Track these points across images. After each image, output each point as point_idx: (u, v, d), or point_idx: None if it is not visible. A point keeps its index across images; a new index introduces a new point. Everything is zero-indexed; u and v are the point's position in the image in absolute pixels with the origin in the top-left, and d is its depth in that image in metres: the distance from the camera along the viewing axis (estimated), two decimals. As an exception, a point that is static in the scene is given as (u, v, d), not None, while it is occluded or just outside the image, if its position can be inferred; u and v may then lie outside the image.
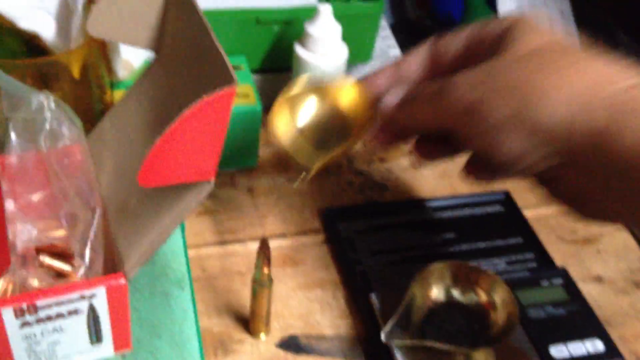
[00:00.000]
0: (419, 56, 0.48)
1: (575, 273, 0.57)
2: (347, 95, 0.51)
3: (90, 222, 0.44)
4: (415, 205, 0.61)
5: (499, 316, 0.48)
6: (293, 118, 0.51)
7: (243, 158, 0.63)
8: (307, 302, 0.53)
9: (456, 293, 0.50)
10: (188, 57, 0.43)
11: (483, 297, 0.50)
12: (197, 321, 0.49)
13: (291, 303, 0.53)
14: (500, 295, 0.49)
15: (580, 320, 0.52)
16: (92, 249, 0.44)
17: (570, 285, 0.55)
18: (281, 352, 0.50)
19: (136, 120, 0.48)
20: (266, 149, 0.66)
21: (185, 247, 0.54)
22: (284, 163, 0.65)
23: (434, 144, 0.48)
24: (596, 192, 0.40)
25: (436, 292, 0.50)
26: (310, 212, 0.61)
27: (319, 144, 0.51)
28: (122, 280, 0.43)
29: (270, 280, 0.47)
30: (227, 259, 0.56)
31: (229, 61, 0.38)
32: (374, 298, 0.52)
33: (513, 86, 0.40)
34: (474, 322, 0.49)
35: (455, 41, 0.47)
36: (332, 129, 0.52)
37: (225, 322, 0.51)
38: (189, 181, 0.40)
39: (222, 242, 0.57)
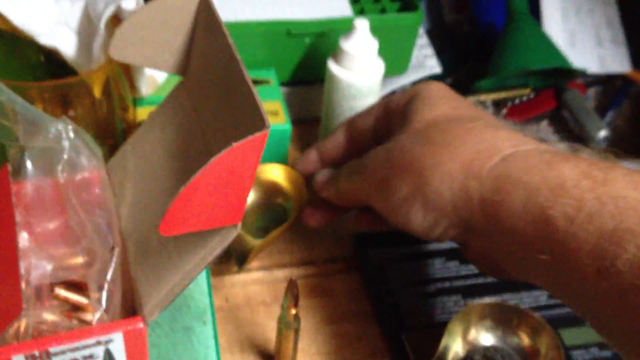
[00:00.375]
0: (337, 139, 0.53)
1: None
2: (281, 176, 0.56)
3: (108, 261, 0.41)
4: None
5: (543, 363, 0.45)
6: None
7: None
8: (336, 338, 0.51)
9: (497, 335, 0.47)
10: (216, 85, 0.40)
11: (526, 341, 0.46)
12: (219, 359, 0.47)
13: (319, 338, 0.50)
14: (545, 341, 0.46)
15: (628, 364, 0.49)
16: (109, 291, 0.41)
17: (617, 325, 0.51)
18: (308, 393, 0.47)
19: (159, 150, 0.45)
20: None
21: (209, 275, 0.51)
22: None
23: (372, 215, 0.50)
24: (495, 255, 0.42)
25: (475, 334, 0.47)
26: (340, 238, 0.58)
27: (254, 227, 0.54)
28: (141, 325, 0.40)
29: (298, 321, 0.45)
30: (252, 288, 0.53)
31: (261, 102, 0.35)
32: (406, 337, 0.49)
33: (409, 163, 0.43)
34: (516, 369, 0.46)
35: (367, 119, 0.51)
36: (266, 211, 0.56)
37: (248, 359, 0.49)
38: (214, 227, 0.38)
39: (247, 270, 0.54)
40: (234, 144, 0.33)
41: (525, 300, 0.53)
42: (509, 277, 0.45)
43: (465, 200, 0.41)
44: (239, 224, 0.38)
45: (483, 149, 0.41)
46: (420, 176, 0.42)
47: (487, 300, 0.48)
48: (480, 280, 0.54)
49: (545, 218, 0.37)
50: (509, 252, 0.40)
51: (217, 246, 0.38)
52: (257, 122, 0.34)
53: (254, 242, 0.52)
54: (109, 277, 0.40)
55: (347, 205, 0.51)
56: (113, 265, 0.41)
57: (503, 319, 0.47)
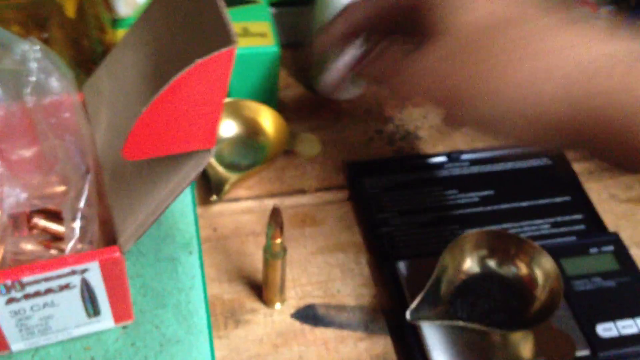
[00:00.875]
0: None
1: (628, 238, 0.51)
2: (263, 115, 0.55)
3: (81, 188, 0.39)
4: (450, 158, 0.55)
5: (541, 293, 0.43)
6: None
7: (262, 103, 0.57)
8: (328, 268, 0.49)
9: (493, 265, 0.45)
10: (187, 2, 0.37)
11: (523, 270, 0.44)
12: (205, 289, 0.45)
13: (310, 269, 0.49)
14: (543, 269, 0.44)
15: (632, 294, 0.47)
16: (84, 218, 0.39)
17: (622, 253, 0.49)
18: (297, 324, 0.46)
19: (133, 72, 0.42)
20: (287, 92, 0.60)
21: (195, 205, 0.49)
22: (306, 108, 0.59)
23: None
24: (626, 150, 0.35)
25: (470, 264, 0.45)
26: (334, 166, 0.55)
27: (232, 162, 0.53)
28: (117, 254, 0.38)
29: (284, 250, 0.43)
30: (241, 217, 0.51)
31: (228, 17, 0.32)
32: (400, 266, 0.47)
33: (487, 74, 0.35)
34: (512, 298, 0.44)
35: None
36: (246, 147, 0.55)
37: (237, 289, 0.47)
38: (187, 151, 0.35)
39: (236, 199, 0.52)
40: (198, 60, 0.31)
41: (526, 229, 0.51)
42: None
43: (569, 107, 0.34)
44: (213, 149, 0.36)
45: (565, 46, 0.34)
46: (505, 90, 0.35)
47: (485, 229, 0.46)
48: (479, 209, 0.52)
49: None
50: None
51: (191, 172, 0.36)
52: (224, 37, 0.32)
53: (229, 175, 0.52)
54: (81, 204, 0.39)
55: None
56: (86, 191, 0.39)
57: (500, 247, 0.45)
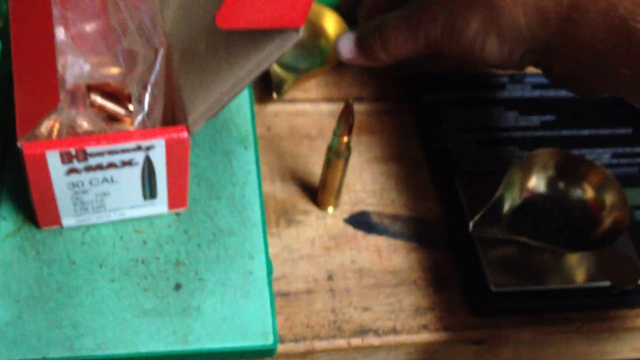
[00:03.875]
0: None
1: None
2: (326, 19, 0.53)
3: (152, 63, 0.37)
4: (513, 79, 0.54)
5: (606, 218, 0.42)
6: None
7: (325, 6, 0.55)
8: (383, 178, 0.48)
9: (559, 185, 0.44)
10: None
11: (590, 193, 0.43)
12: (260, 185, 0.44)
13: (365, 176, 0.48)
14: (610, 195, 0.43)
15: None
16: (152, 95, 0.38)
17: (683, 188, 0.48)
18: (350, 229, 0.45)
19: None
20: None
21: (252, 101, 0.48)
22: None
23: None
24: (578, 73, 0.41)
25: (536, 182, 0.44)
26: (395, 77, 0.53)
27: (291, 63, 0.52)
28: (185, 134, 0.37)
29: (349, 150, 0.41)
30: (296, 119, 0.50)
31: None
32: (458, 182, 0.46)
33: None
34: (576, 221, 0.43)
35: None
36: (307, 50, 0.53)
37: (290, 189, 0.46)
38: (273, 27, 0.34)
39: (292, 100, 0.51)
40: None
41: (588, 156, 0.49)
42: (594, 94, 0.44)
43: (542, 22, 0.39)
44: (301, 29, 0.34)
45: None
46: (491, 6, 0.40)
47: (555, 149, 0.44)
48: (540, 133, 0.51)
49: (627, 30, 0.36)
50: (590, 67, 0.39)
51: (274, 51, 0.34)
52: None
53: (287, 75, 0.50)
54: (152, 78, 0.37)
55: (398, 58, 0.47)
56: (157, 66, 0.37)
57: (568, 169, 0.44)
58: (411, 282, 0.43)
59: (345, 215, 0.45)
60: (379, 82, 0.53)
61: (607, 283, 0.42)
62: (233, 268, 0.40)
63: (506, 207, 0.43)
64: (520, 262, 0.42)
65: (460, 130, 0.50)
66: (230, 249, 0.41)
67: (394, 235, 0.45)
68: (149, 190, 0.40)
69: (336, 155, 0.42)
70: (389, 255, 0.44)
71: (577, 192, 0.44)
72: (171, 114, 0.40)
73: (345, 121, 0.40)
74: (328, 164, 0.42)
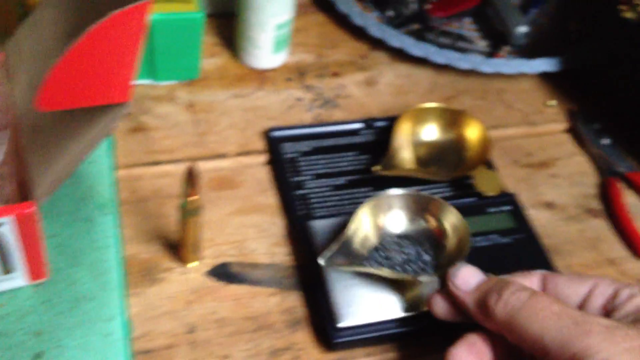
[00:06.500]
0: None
1: (526, 198, 0.55)
2: (468, 130, 0.57)
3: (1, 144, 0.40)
4: (366, 125, 0.58)
5: (450, 242, 0.46)
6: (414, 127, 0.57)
7: (183, 70, 0.58)
8: (243, 229, 0.51)
9: (405, 221, 0.48)
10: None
11: (433, 223, 0.47)
12: (119, 249, 0.46)
13: (226, 229, 0.50)
14: (449, 221, 0.47)
15: (525, 249, 0.51)
16: (1, 177, 0.40)
17: (518, 212, 0.52)
18: (211, 281, 0.47)
19: (53, 29, 0.43)
20: (210, 61, 0.61)
21: (112, 168, 0.50)
22: (228, 76, 0.61)
23: None
24: None
25: (384, 221, 0.48)
26: (254, 131, 0.57)
27: (422, 158, 0.56)
28: (32, 209, 0.39)
29: (199, 208, 0.44)
30: (160, 181, 0.53)
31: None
32: (313, 225, 0.49)
33: None
34: (424, 250, 0.47)
35: (579, 288, 0.42)
36: (441, 152, 0.56)
37: (154, 249, 0.48)
38: (101, 104, 0.36)
39: (156, 163, 0.53)
40: (112, 13, 0.32)
41: (428, 191, 0.53)
42: None
43: None
44: (129, 103, 0.37)
45: None
46: None
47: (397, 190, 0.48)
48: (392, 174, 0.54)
49: None
50: None
51: (106, 127, 0.37)
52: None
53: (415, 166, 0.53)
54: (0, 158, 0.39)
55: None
56: (3, 149, 0.40)
57: (411, 206, 0.48)
58: (269, 326, 0.45)
59: (207, 268, 0.48)
60: (241, 138, 0.56)
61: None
62: (93, 332, 0.42)
63: (357, 244, 0.46)
64: (368, 295, 0.46)
65: (317, 176, 0.54)
66: (90, 314, 0.43)
67: (253, 282, 0.48)
68: (4, 265, 0.41)
69: (187, 214, 0.44)
70: (248, 302, 0.47)
71: (421, 224, 0.48)
72: (26, 192, 0.42)
73: (190, 184, 0.42)
74: (182, 224, 0.45)
